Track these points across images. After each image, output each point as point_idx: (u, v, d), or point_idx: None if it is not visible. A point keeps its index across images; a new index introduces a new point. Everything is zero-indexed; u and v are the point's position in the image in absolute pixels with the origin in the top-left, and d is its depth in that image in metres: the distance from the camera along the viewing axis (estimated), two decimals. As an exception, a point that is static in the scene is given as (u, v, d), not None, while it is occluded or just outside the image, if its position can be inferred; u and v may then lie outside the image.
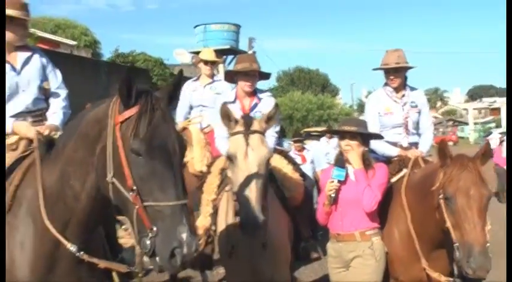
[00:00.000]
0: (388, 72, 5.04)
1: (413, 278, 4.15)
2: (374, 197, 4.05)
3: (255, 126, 3.71)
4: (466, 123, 64.70)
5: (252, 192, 3.47)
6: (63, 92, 4.08)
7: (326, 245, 4.39)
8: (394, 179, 4.49)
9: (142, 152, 2.61)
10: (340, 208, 4.17)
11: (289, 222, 4.51)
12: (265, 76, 5.15)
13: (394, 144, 4.96)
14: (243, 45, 28.27)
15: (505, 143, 13.37)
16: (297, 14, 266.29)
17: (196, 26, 26.94)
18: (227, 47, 25.79)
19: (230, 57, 26.50)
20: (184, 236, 2.52)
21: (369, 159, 4.22)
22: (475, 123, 61.68)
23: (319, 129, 16.31)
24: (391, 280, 4.26)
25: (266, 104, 4.84)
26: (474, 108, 69.95)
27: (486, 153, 3.77)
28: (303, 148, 11.13)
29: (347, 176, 4.17)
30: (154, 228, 2.56)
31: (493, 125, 58.60)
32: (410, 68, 5.09)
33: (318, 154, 11.29)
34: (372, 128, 4.66)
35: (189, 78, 7.35)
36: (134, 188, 2.62)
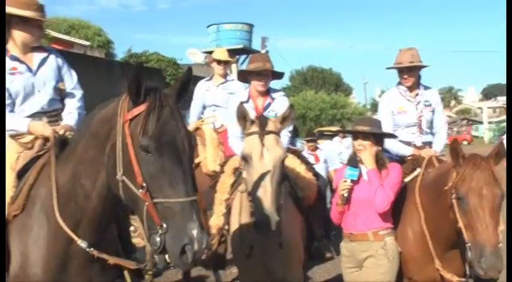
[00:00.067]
0: (401, 71, 5.03)
1: (427, 278, 4.13)
2: (386, 198, 4.04)
3: (270, 126, 3.70)
4: (481, 122, 64.11)
5: (267, 193, 3.46)
6: (79, 93, 4.10)
7: (339, 245, 4.39)
8: (407, 179, 4.48)
9: (151, 149, 2.62)
10: (353, 208, 4.16)
11: (302, 222, 4.51)
12: (279, 75, 5.14)
13: (408, 143, 4.94)
14: (256, 44, 28.27)
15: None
16: (310, 13, 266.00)
17: (209, 25, 26.98)
18: (240, 46, 25.79)
19: (243, 56, 26.46)
20: (194, 232, 2.52)
21: (382, 158, 4.21)
22: (490, 123, 61.07)
23: (333, 128, 16.23)
24: (405, 280, 4.25)
25: (279, 103, 4.85)
26: (489, 107, 69.29)
27: (499, 152, 3.74)
28: (316, 148, 11.09)
29: (360, 175, 4.16)
30: (164, 225, 2.56)
31: (507, 124, 57.87)
32: (424, 66, 5.07)
33: (331, 154, 11.25)
34: (386, 127, 4.64)
35: (202, 78, 7.37)
36: (144, 185, 2.63)
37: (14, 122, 3.71)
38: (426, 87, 5.15)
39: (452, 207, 3.71)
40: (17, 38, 3.81)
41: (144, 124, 2.65)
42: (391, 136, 4.59)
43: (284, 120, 3.80)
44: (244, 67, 9.38)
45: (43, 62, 3.92)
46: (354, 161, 4.19)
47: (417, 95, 5.06)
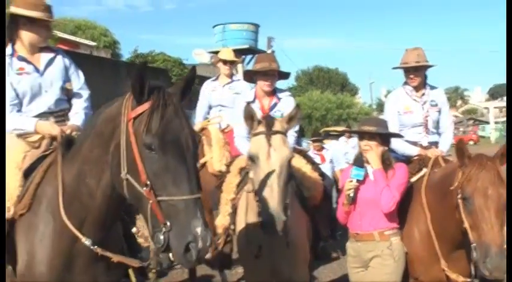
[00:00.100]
0: (407, 71, 5.02)
1: (433, 278, 4.13)
2: (392, 198, 4.04)
3: (277, 126, 3.69)
4: (487, 122, 63.83)
5: (274, 193, 3.45)
6: (86, 93, 4.12)
7: (345, 245, 4.39)
8: (414, 179, 4.47)
9: (155, 147, 2.62)
10: (359, 208, 4.16)
11: (308, 222, 4.50)
12: (285, 76, 5.13)
13: (414, 143, 4.93)
14: (261, 44, 28.28)
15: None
16: (316, 13, 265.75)
17: (215, 25, 27.02)
18: (246, 46, 25.81)
19: (249, 56, 26.48)
20: (199, 230, 2.51)
21: (389, 159, 4.21)
22: (496, 122, 60.75)
23: (338, 128, 16.17)
24: (411, 280, 4.24)
25: (285, 103, 4.85)
26: (495, 107, 68.90)
27: (506, 153, 3.73)
28: (322, 148, 11.08)
29: (366, 175, 4.16)
30: (168, 223, 2.56)
31: (514, 124, 57.62)
32: (430, 66, 5.06)
33: (337, 153, 11.24)
34: (392, 127, 4.64)
35: (208, 78, 7.38)
36: (148, 183, 2.63)
37: (21, 121, 3.73)
38: (432, 87, 5.14)
39: (458, 207, 3.70)
40: (25, 38, 3.84)
41: (148, 122, 2.65)
42: (397, 136, 4.59)
43: (290, 120, 3.80)
44: (250, 67, 9.39)
45: (50, 62, 3.94)
46: (359, 161, 4.19)
47: (423, 94, 5.05)
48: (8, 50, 3.82)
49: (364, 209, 4.14)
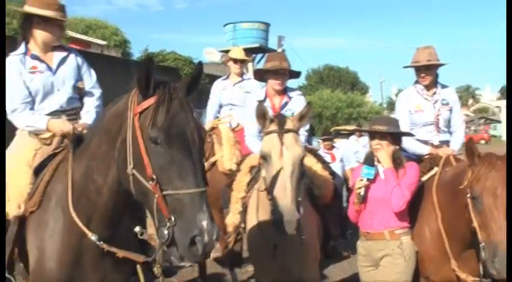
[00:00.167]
0: (419, 69, 5.00)
1: (443, 277, 4.11)
2: (402, 197, 4.03)
3: (289, 125, 3.69)
4: (499, 121, 63.41)
5: (287, 191, 3.45)
6: (97, 92, 4.14)
7: (355, 244, 4.39)
8: (425, 178, 4.45)
9: (160, 141, 2.62)
10: (370, 207, 4.16)
11: (319, 221, 4.50)
12: (295, 74, 5.14)
13: (425, 142, 4.92)
14: (272, 43, 28.26)
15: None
16: (326, 12, 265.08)
17: (226, 24, 26.98)
18: (256, 45, 25.73)
19: (259, 55, 26.45)
20: (204, 223, 2.50)
21: (400, 158, 4.20)
22: (508, 122, 60.24)
23: (349, 127, 16.14)
24: (421, 279, 4.24)
25: (296, 102, 4.85)
26: (507, 106, 68.34)
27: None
28: (333, 146, 11.06)
29: (377, 174, 4.15)
30: (173, 218, 2.55)
31: (527, 123, 57.19)
32: (441, 65, 5.04)
33: (348, 152, 11.23)
34: (403, 126, 4.62)
35: (218, 77, 7.40)
36: (154, 177, 2.62)
37: (34, 119, 3.76)
38: (443, 86, 5.11)
39: (467, 206, 3.69)
40: (38, 37, 3.87)
41: (154, 116, 2.65)
42: (408, 135, 4.58)
43: (302, 118, 3.79)
44: (260, 66, 9.39)
45: (63, 61, 3.96)
46: (370, 160, 4.18)
47: (434, 93, 5.03)
48: (22, 48, 3.85)
49: (375, 208, 4.13)
